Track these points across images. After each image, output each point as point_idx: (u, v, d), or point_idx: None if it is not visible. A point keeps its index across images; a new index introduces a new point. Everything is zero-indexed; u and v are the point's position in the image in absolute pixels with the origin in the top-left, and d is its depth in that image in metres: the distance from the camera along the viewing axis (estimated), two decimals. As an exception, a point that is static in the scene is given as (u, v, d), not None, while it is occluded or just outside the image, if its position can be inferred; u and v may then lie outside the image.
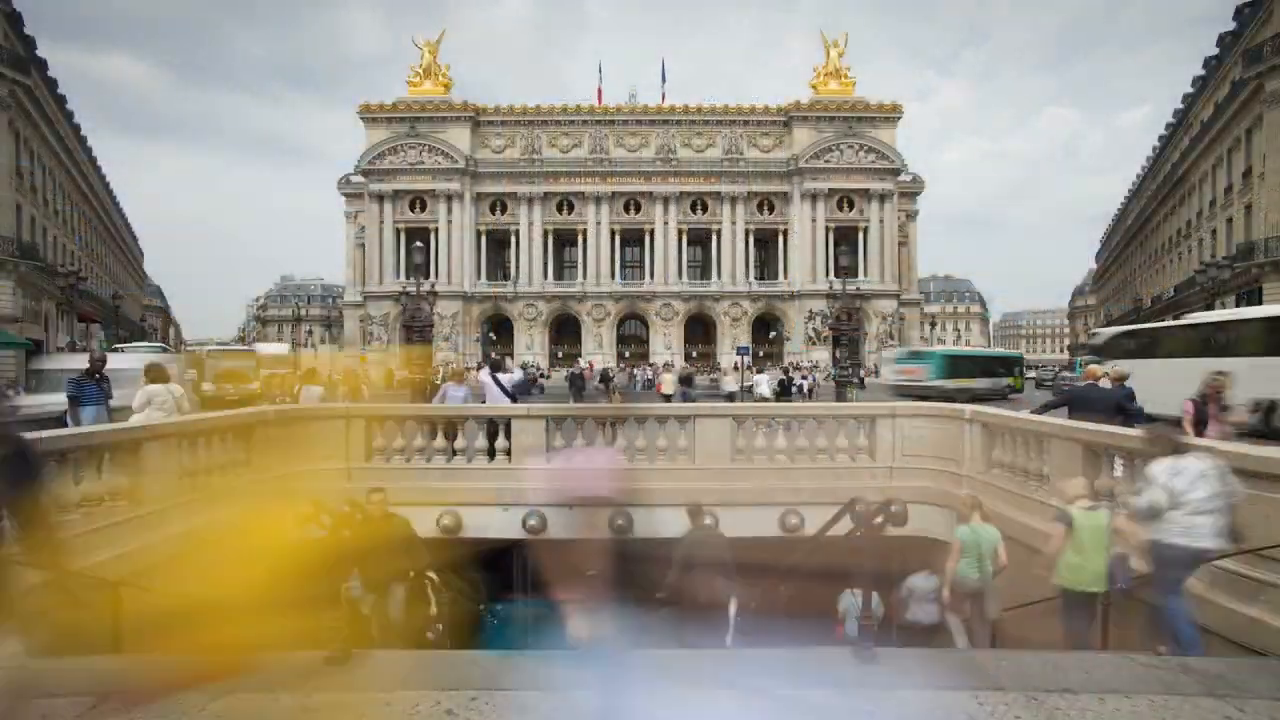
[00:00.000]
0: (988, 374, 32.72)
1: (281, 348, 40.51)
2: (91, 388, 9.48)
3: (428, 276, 47.22)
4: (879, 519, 4.10)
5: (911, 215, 68.14)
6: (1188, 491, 4.48)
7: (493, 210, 62.01)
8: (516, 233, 61.66)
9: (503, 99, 62.70)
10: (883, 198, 60.02)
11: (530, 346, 60.55)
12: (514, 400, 10.73)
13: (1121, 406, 7.97)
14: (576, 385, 24.76)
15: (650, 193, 61.20)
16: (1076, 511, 5.33)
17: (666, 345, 60.60)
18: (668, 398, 22.01)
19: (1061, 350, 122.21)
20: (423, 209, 60.29)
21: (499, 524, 9.06)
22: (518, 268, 61.68)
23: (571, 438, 9.52)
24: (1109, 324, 71.45)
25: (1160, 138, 57.28)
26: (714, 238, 61.72)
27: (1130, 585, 5.09)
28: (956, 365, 31.63)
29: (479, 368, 18.60)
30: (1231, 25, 38.70)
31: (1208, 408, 8.61)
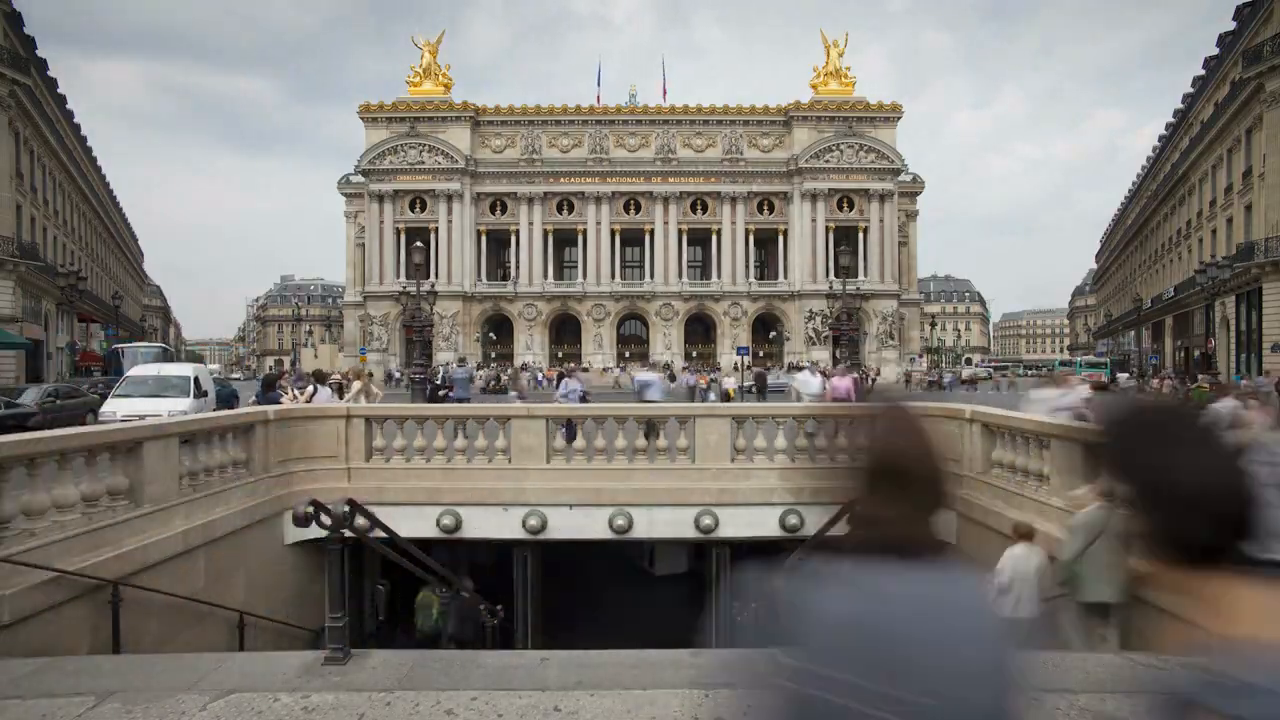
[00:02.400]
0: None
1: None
2: None
3: (428, 276, 47.16)
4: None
5: (911, 215, 68.14)
6: None
7: (493, 210, 61.98)
8: (516, 233, 61.63)
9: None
10: (883, 198, 60.00)
11: (530, 346, 60.55)
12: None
13: None
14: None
15: (650, 193, 61.17)
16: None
17: (666, 345, 60.60)
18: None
19: (1061, 350, 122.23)
20: (423, 209, 60.27)
21: (499, 524, 9.06)
22: (518, 268, 61.64)
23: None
24: (1108, 323, 71.56)
25: (1160, 138, 57.32)
26: (714, 238, 61.70)
27: None
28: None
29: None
30: (1231, 25, 38.72)
31: None
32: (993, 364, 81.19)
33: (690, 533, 9.14)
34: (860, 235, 59.30)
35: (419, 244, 27.11)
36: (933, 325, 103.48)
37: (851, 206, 60.24)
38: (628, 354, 62.16)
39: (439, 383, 25.46)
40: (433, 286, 41.50)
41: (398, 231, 59.39)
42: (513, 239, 61.97)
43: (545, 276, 61.50)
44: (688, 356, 59.67)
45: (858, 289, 51.21)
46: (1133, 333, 56.08)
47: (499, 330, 62.41)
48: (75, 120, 49.65)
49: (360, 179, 61.93)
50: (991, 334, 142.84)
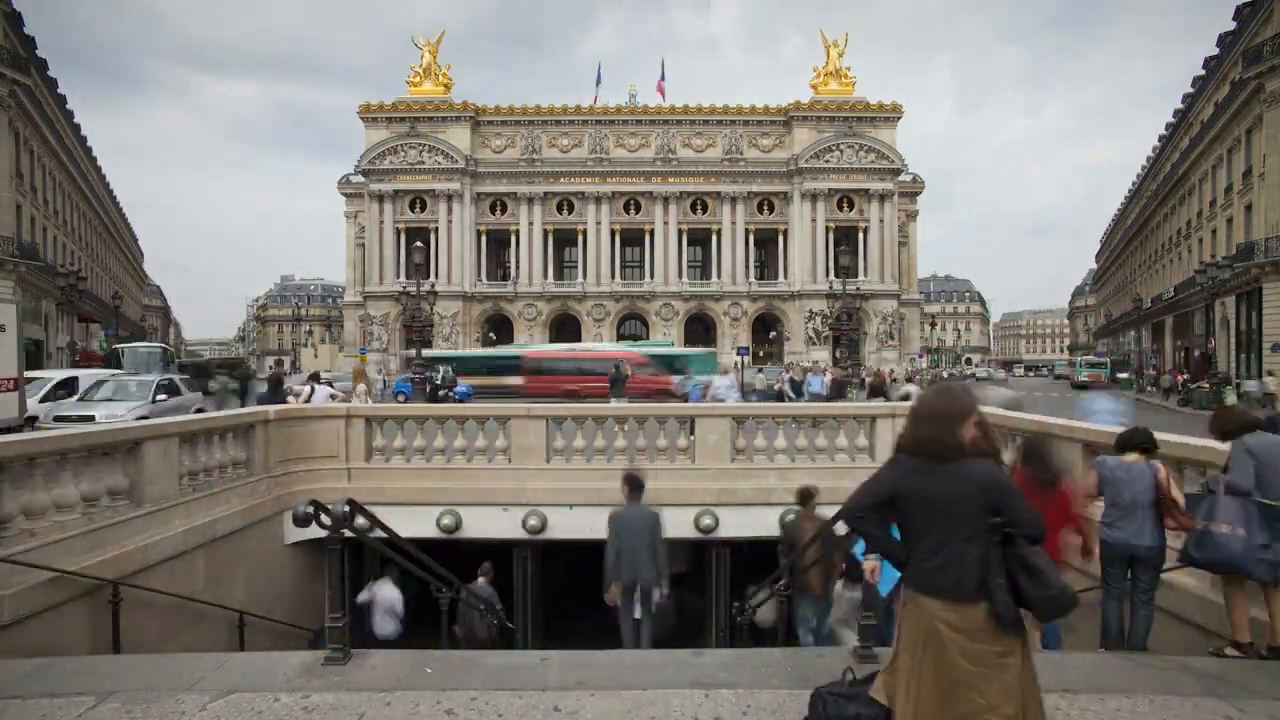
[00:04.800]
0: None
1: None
2: None
3: (428, 276, 47.15)
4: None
5: (912, 215, 68.12)
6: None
7: (493, 210, 61.97)
8: (516, 233, 61.62)
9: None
10: (883, 198, 59.98)
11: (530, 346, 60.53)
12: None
13: None
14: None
15: (650, 193, 61.15)
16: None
17: (666, 345, 60.59)
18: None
19: (1061, 350, 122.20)
20: (423, 209, 60.25)
21: (499, 524, 9.06)
22: (518, 268, 61.64)
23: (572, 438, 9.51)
24: (1108, 323, 71.57)
25: (1160, 138, 57.29)
26: (714, 238, 61.70)
27: None
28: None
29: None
30: (1231, 25, 38.70)
31: None
32: (997, 363, 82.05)
33: (690, 533, 9.13)
34: (860, 235, 59.28)
35: (419, 244, 27.14)
36: (933, 325, 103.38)
37: (851, 206, 60.23)
38: (628, 354, 62.16)
39: (439, 382, 25.49)
40: (433, 286, 41.53)
41: (398, 231, 59.37)
42: (513, 239, 61.96)
43: (545, 276, 61.48)
44: (688, 356, 59.62)
45: (857, 289, 51.17)
46: (1133, 333, 56.08)
47: (499, 330, 62.38)
48: (75, 120, 49.65)
49: (360, 179, 61.91)
50: (991, 334, 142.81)
